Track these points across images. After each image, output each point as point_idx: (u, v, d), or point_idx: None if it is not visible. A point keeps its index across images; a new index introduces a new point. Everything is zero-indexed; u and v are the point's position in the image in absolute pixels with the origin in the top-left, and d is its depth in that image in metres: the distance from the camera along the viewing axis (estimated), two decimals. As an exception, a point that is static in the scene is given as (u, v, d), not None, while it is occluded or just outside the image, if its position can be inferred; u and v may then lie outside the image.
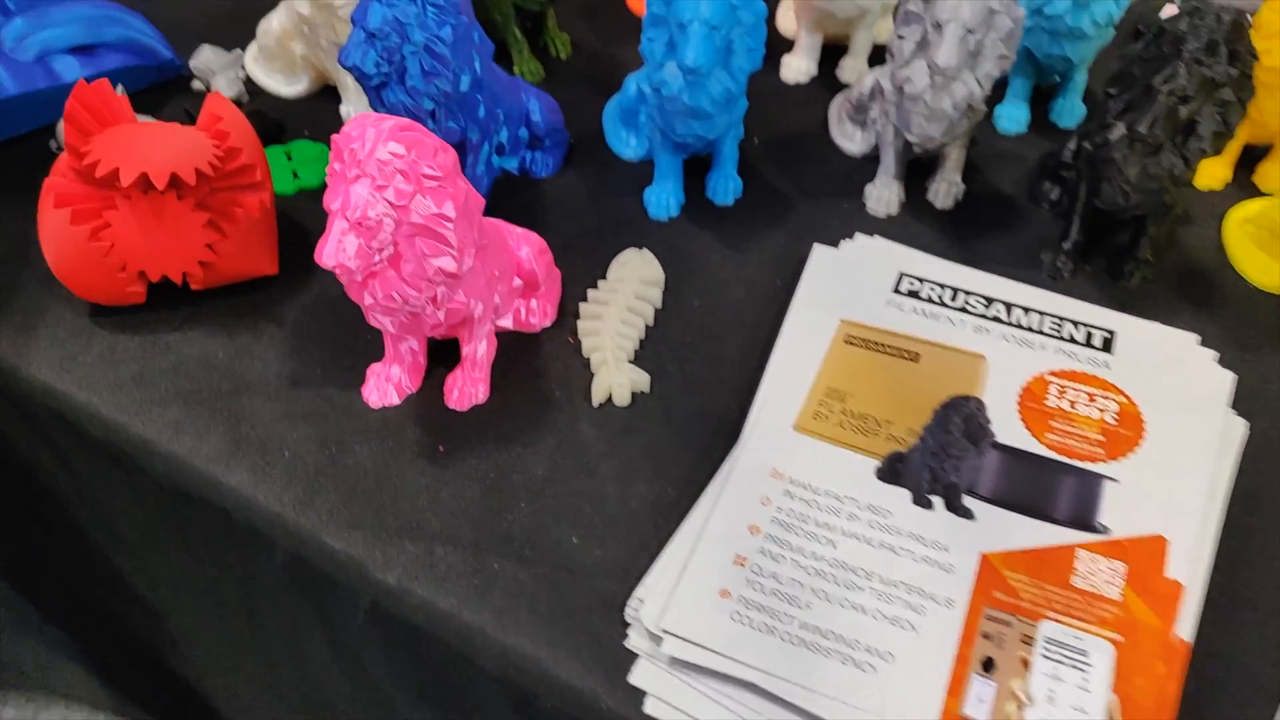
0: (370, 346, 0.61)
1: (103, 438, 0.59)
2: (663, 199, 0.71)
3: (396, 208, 0.47)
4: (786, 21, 0.87)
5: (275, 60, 0.80)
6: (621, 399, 0.59)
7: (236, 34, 0.83)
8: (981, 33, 0.60)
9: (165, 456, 0.57)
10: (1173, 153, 0.58)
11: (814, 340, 0.61)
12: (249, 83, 0.81)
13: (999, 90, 0.81)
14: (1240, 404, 0.58)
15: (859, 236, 0.69)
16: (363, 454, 0.57)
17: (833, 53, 0.84)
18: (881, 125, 0.70)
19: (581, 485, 0.55)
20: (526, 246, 0.61)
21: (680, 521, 0.53)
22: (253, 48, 0.81)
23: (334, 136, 0.48)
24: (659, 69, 0.63)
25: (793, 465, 0.55)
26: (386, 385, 0.59)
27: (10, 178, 0.72)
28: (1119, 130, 0.58)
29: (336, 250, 0.47)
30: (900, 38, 0.64)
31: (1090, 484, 0.54)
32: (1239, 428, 0.57)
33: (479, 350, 0.58)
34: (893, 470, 0.55)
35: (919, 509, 0.53)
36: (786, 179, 0.75)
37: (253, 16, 0.80)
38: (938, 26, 0.60)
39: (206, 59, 0.80)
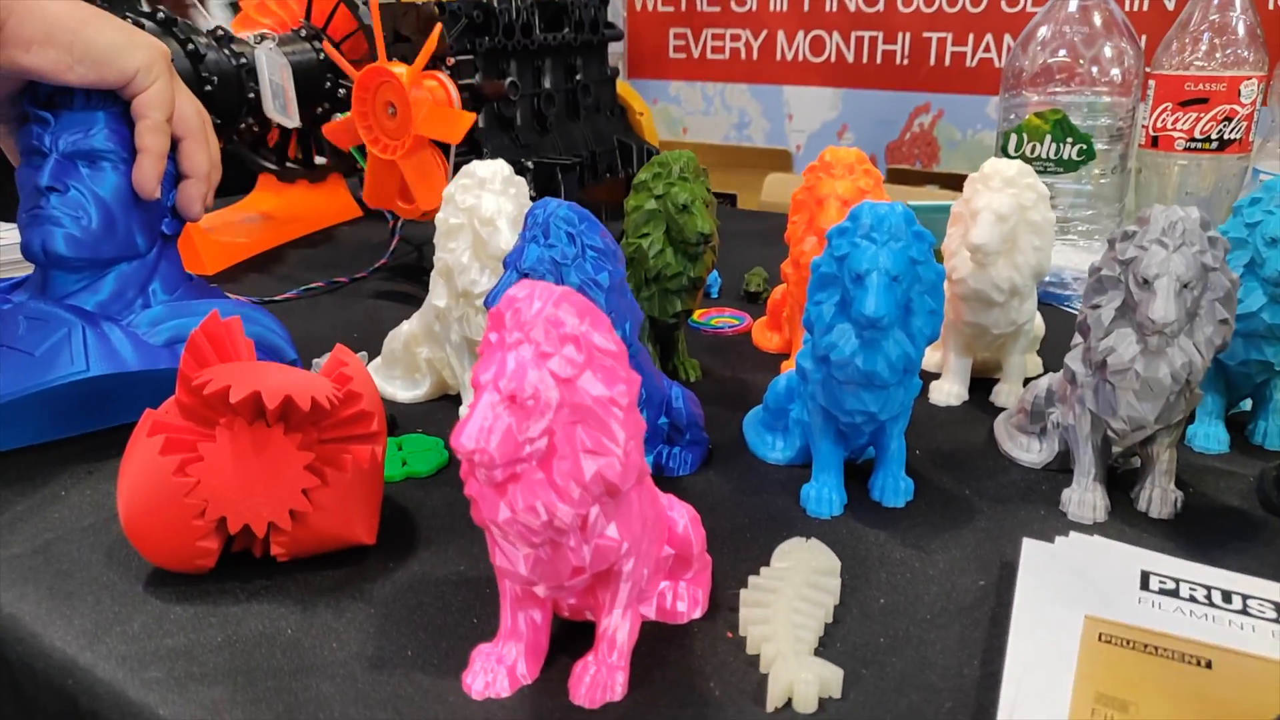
0: (478, 632, 0.48)
1: (115, 725, 0.44)
2: (824, 494, 0.61)
3: (562, 382, 0.39)
4: (933, 357, 0.83)
5: (397, 365, 0.76)
6: (806, 703, 0.44)
7: (363, 344, 0.81)
8: (1198, 289, 0.54)
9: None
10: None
11: (1057, 639, 0.46)
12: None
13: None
14: None
15: (1074, 535, 0.56)
16: (456, 755, 0.41)
17: (981, 385, 0.78)
18: (1076, 418, 0.61)
19: (763, 812, 0.38)
20: (683, 509, 0.50)
21: None
22: (379, 360, 0.79)
23: (493, 308, 0.41)
24: (827, 333, 0.57)
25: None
26: (498, 669, 0.45)
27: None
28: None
29: (480, 430, 0.38)
30: (1095, 307, 0.58)
31: None
32: None
33: (621, 629, 0.45)
34: (1234, 804, 0.37)
35: None
36: (962, 486, 0.64)
37: (379, 329, 0.79)
38: (1145, 284, 0.54)
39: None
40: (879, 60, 2.45)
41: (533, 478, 0.39)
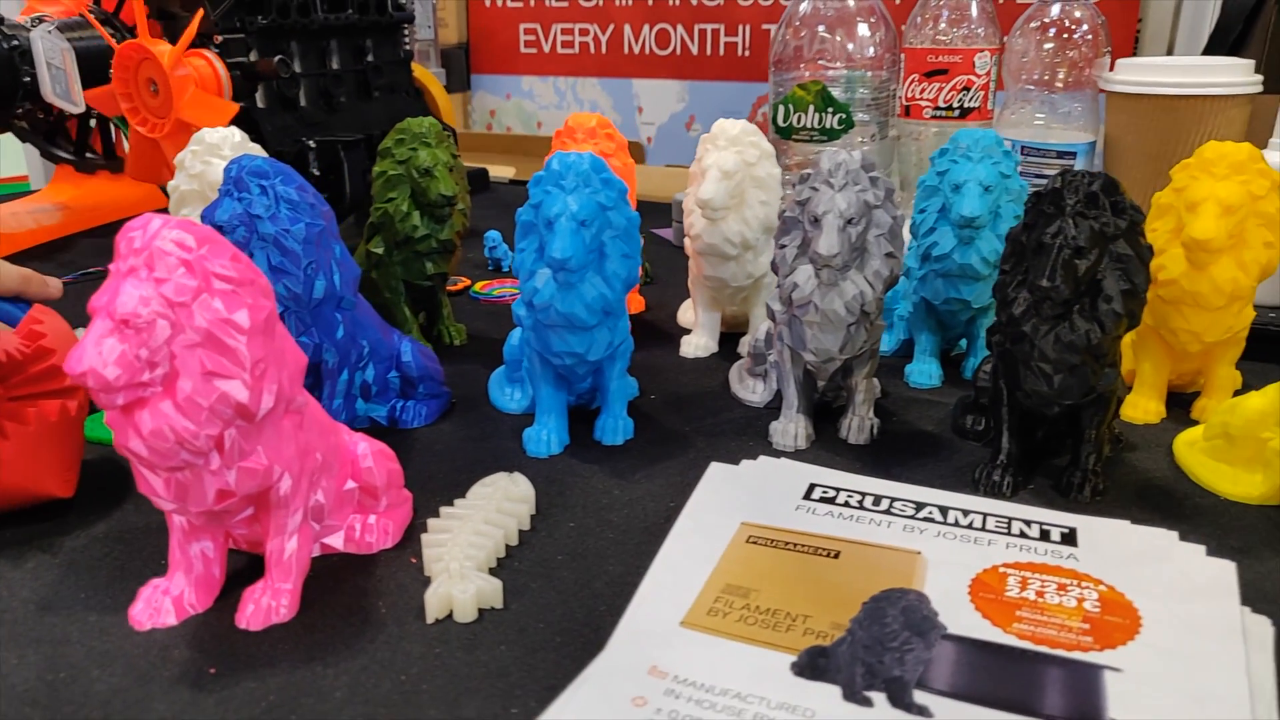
0: (164, 574, 0.49)
1: None
2: (542, 435, 0.63)
3: (175, 306, 0.40)
4: (686, 315, 0.87)
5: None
6: (465, 613, 0.46)
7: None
8: (862, 225, 0.58)
9: None
10: (1084, 319, 0.53)
11: (708, 542, 0.50)
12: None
13: (908, 351, 0.78)
14: (1259, 606, 0.46)
15: (763, 458, 0.60)
16: (98, 681, 0.42)
17: (730, 339, 0.83)
18: (779, 356, 0.65)
19: (393, 710, 0.40)
20: (365, 444, 0.52)
21: (518, 734, 0.37)
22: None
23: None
24: (529, 279, 0.60)
25: (678, 663, 0.41)
26: (162, 600, 0.46)
27: None
28: (1022, 296, 0.54)
29: (90, 353, 0.39)
30: (782, 246, 0.62)
31: (1085, 674, 0.40)
32: (1263, 626, 0.45)
33: (286, 548, 0.46)
34: (814, 665, 0.41)
35: (854, 706, 0.38)
36: (685, 424, 0.68)
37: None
38: (815, 222, 0.58)
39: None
40: (722, 52, 2.52)
41: (158, 402, 0.41)
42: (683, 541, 0.50)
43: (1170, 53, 1.76)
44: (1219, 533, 0.53)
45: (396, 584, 0.49)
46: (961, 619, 0.44)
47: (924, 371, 0.74)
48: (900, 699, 0.39)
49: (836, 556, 0.48)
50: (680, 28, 2.41)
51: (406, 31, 1.19)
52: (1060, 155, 0.94)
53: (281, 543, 0.46)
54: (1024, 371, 0.56)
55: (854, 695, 0.39)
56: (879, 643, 0.42)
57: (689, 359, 0.80)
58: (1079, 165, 0.95)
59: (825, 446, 0.65)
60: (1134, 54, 1.81)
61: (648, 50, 2.49)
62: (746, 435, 0.66)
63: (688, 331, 0.84)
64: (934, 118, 0.98)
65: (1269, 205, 0.62)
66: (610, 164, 0.78)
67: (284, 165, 0.57)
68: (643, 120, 2.53)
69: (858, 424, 0.65)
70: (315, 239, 0.57)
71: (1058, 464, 0.61)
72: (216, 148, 0.67)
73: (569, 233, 0.57)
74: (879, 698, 0.39)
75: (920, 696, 0.39)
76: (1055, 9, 0.94)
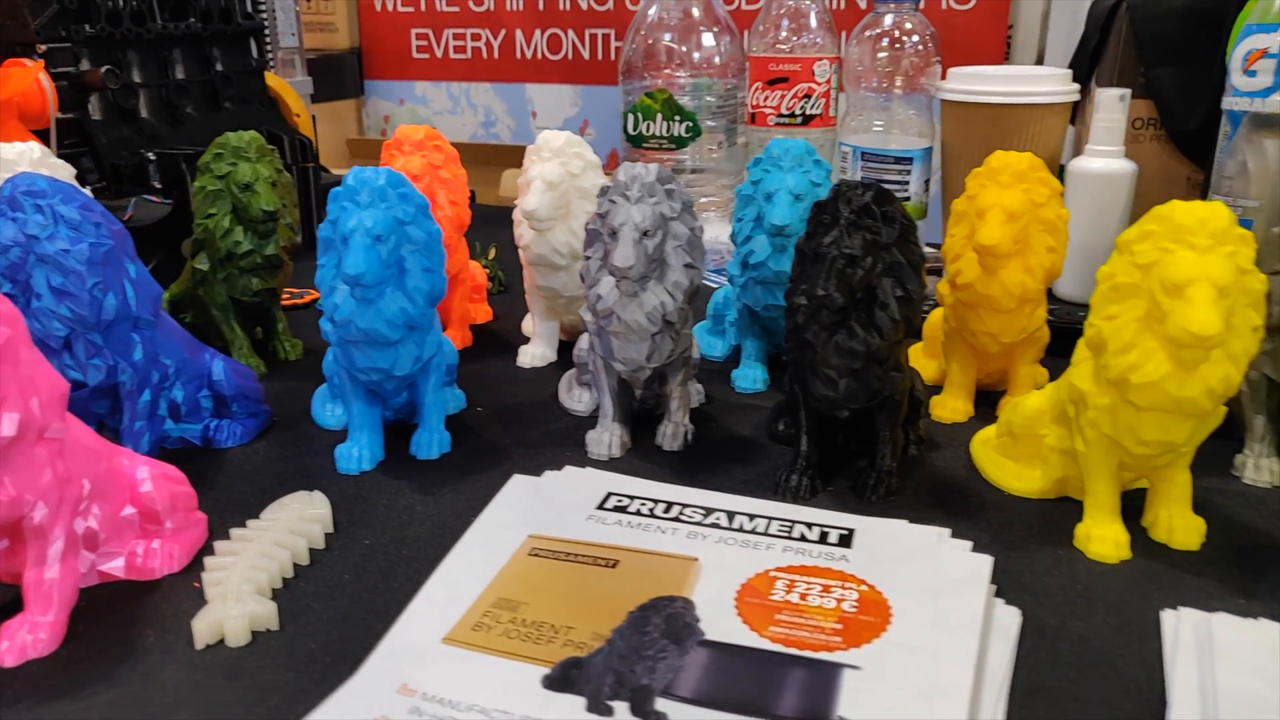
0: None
1: None
2: (352, 451, 0.63)
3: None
4: (529, 325, 0.87)
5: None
6: (237, 638, 0.46)
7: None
8: (659, 237, 0.59)
9: None
10: (862, 326, 0.55)
11: (490, 555, 0.50)
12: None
13: (736, 357, 0.79)
14: (1012, 597, 0.49)
15: (568, 468, 0.61)
16: None
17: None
18: (593, 366, 0.66)
19: (139, 741, 0.40)
20: (146, 468, 0.51)
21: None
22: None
23: None
24: (330, 294, 0.59)
25: (429, 680, 0.41)
26: (-94, 637, 0.44)
27: None
28: (801, 302, 0.55)
29: None
30: (587, 258, 0.62)
31: (824, 674, 0.42)
32: (1011, 616, 0.47)
33: (45, 579, 0.45)
34: (565, 677, 0.41)
35: (595, 717, 0.39)
36: (507, 436, 0.68)
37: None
38: (613, 234, 0.59)
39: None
40: (613, 57, 2.54)
41: (-120, 434, 0.39)
42: (464, 556, 0.50)
43: (1041, 59, 1.82)
44: (995, 528, 0.56)
45: (173, 610, 0.48)
46: (722, 624, 0.45)
47: (749, 376, 0.76)
48: (641, 708, 0.40)
49: (614, 566, 0.49)
50: (571, 33, 2.42)
51: (269, 39, 1.17)
52: (898, 161, 0.97)
53: (40, 574, 0.45)
54: (811, 377, 0.58)
55: (597, 705, 0.40)
56: (635, 651, 0.43)
57: (526, 369, 0.81)
58: (915, 170, 0.98)
59: (640, 454, 0.66)
60: (1005, 61, 1.88)
61: (540, 55, 2.49)
62: (566, 445, 0.67)
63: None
64: (778, 125, 1.00)
65: (1049, 212, 0.65)
66: (439, 176, 0.79)
67: (66, 184, 0.56)
68: (537, 125, 2.53)
69: (672, 430, 0.66)
70: (102, 259, 0.56)
71: (859, 465, 0.63)
72: (11, 164, 0.65)
73: (363, 248, 0.57)
74: (622, 707, 0.40)
75: (665, 704, 0.40)
76: (888, 19, 0.97)
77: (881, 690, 0.40)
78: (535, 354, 0.81)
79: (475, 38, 2.66)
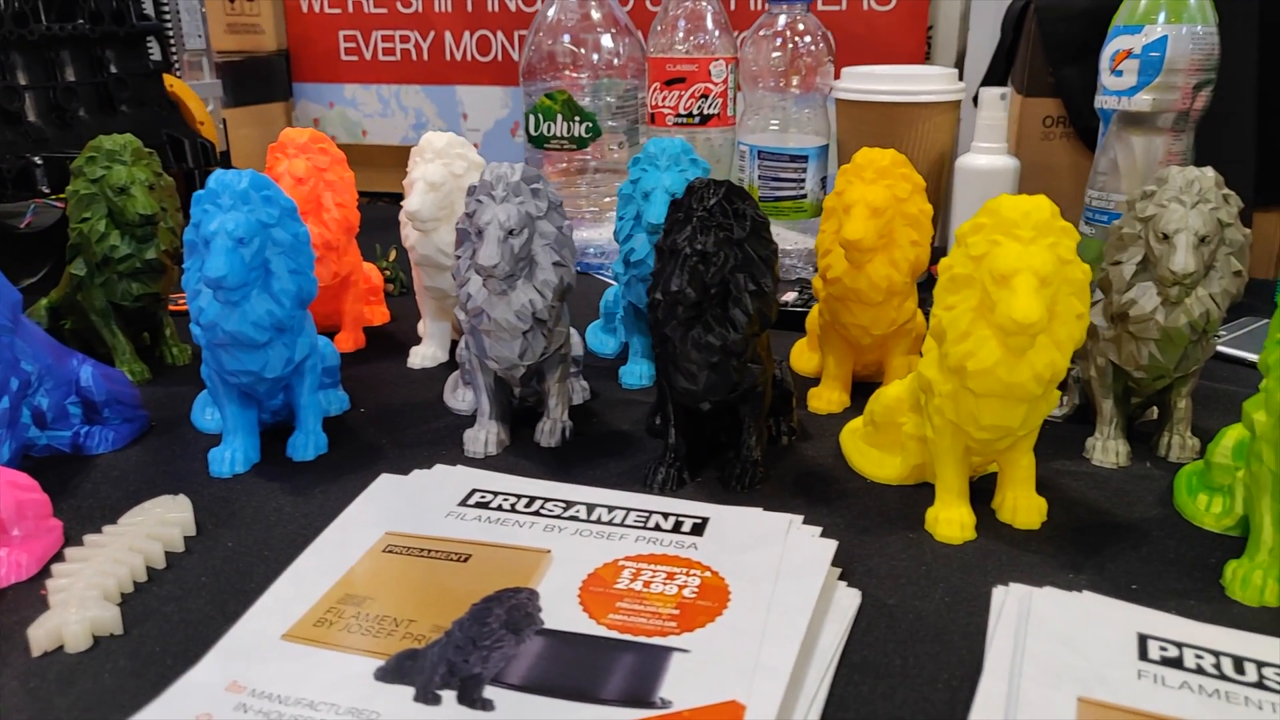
0: None
1: None
2: (225, 454, 0.63)
3: None
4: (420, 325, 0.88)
5: None
6: (76, 644, 0.45)
7: None
8: (525, 236, 0.60)
9: None
10: (717, 321, 0.56)
11: (344, 553, 0.51)
12: None
13: (624, 355, 0.81)
14: (858, 581, 0.50)
15: (438, 467, 0.61)
16: None
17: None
18: (470, 366, 0.67)
19: (-37, 748, 0.40)
20: (-10, 476, 0.51)
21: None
22: None
23: None
24: (196, 298, 0.59)
25: (261, 677, 0.41)
26: None
27: None
28: (658, 298, 0.57)
29: None
30: (458, 257, 0.63)
31: (652, 658, 0.43)
32: (851, 598, 0.49)
33: (-123, 590, 0.45)
34: (399, 669, 0.42)
35: (421, 705, 0.40)
36: (386, 436, 0.68)
37: None
38: (480, 234, 0.60)
39: None
40: (543, 59, 2.50)
41: None
42: (317, 554, 0.51)
43: (962, 59, 1.86)
44: (853, 515, 0.58)
45: (18, 619, 0.48)
46: (563, 614, 0.46)
47: (635, 372, 0.77)
48: (468, 695, 0.40)
49: (466, 560, 0.50)
50: (500, 34, 2.41)
51: (173, 41, 1.16)
52: (793, 159, 0.99)
53: (-128, 584, 0.45)
54: (673, 372, 0.59)
55: (425, 695, 0.40)
56: (472, 642, 0.44)
57: (416, 369, 0.81)
58: (811, 168, 1.00)
59: (518, 452, 0.66)
60: (926, 61, 1.92)
61: (469, 57, 2.48)
62: (444, 445, 0.67)
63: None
64: (676, 125, 1.02)
65: (912, 206, 0.67)
66: (325, 178, 0.79)
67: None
68: (468, 127, 2.52)
69: (550, 427, 0.67)
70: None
71: (730, 456, 0.64)
72: (-128, 171, 0.64)
73: (224, 251, 0.57)
74: (450, 695, 0.40)
75: (494, 692, 0.41)
76: (781, 19, 0.98)
77: (706, 671, 0.41)
78: (426, 354, 0.81)
79: (404, 39, 2.64)
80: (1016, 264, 0.48)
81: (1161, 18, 0.81)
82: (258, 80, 2.47)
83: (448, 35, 2.49)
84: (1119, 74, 0.83)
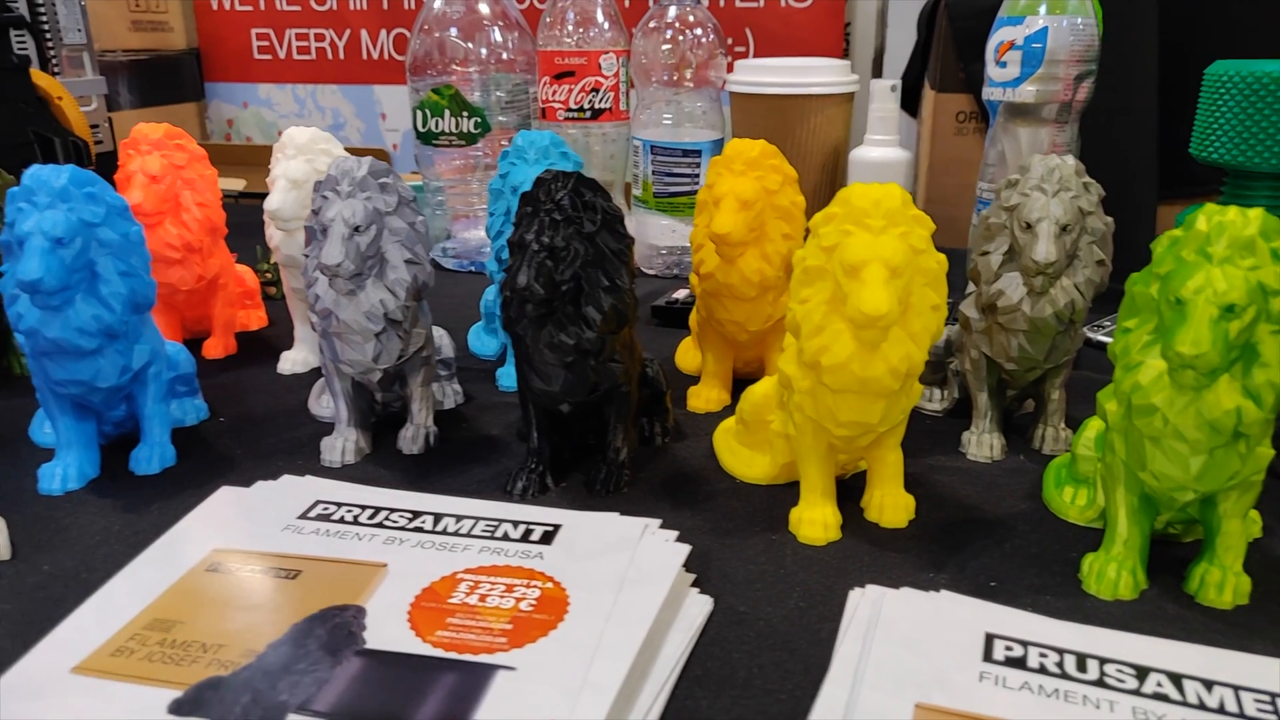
0: None
1: None
2: (56, 470, 0.59)
3: None
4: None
5: None
6: None
7: None
8: (372, 233, 0.57)
9: None
10: (570, 319, 0.54)
11: (161, 574, 0.47)
12: None
13: (505, 356, 0.78)
14: (711, 587, 0.48)
15: (284, 478, 0.58)
16: None
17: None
18: (326, 371, 0.64)
19: None
20: None
21: None
22: None
23: None
24: (14, 304, 0.55)
25: (44, 713, 0.38)
26: None
27: None
28: (507, 295, 0.54)
29: None
30: (307, 256, 0.60)
31: (474, 677, 0.40)
32: (702, 605, 0.47)
33: None
34: (197, 699, 0.39)
35: (213, 741, 0.37)
36: (241, 446, 0.65)
37: None
38: (324, 231, 0.57)
39: None
40: (462, 57, 2.46)
41: None
42: (131, 576, 0.47)
43: (880, 55, 1.87)
44: (718, 517, 0.56)
45: None
46: (389, 632, 0.43)
47: (512, 374, 0.74)
48: (267, 726, 0.37)
49: (295, 577, 0.47)
50: (419, 32, 2.37)
51: (50, 37, 1.10)
52: (686, 154, 0.97)
53: None
54: (529, 372, 0.56)
55: (220, 728, 0.37)
56: (284, 667, 0.41)
57: (287, 375, 0.78)
58: (705, 163, 0.98)
59: (379, 460, 0.63)
60: (844, 55, 1.92)
61: (387, 56, 2.43)
62: (301, 454, 0.64)
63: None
64: (567, 119, 0.99)
65: (784, 199, 0.65)
66: (183, 176, 0.75)
67: None
68: (387, 127, 2.47)
69: (412, 433, 0.64)
70: None
71: (597, 459, 0.62)
72: None
73: (40, 252, 0.53)
74: (248, 727, 0.37)
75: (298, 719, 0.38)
76: (671, 11, 0.97)
77: (530, 690, 0.39)
78: (296, 359, 0.78)
79: (319, 38, 2.58)
80: (866, 255, 0.47)
81: (1043, 10, 0.80)
82: (166, 80, 2.40)
83: (364, 34, 2.44)
84: (1003, 65, 0.83)
